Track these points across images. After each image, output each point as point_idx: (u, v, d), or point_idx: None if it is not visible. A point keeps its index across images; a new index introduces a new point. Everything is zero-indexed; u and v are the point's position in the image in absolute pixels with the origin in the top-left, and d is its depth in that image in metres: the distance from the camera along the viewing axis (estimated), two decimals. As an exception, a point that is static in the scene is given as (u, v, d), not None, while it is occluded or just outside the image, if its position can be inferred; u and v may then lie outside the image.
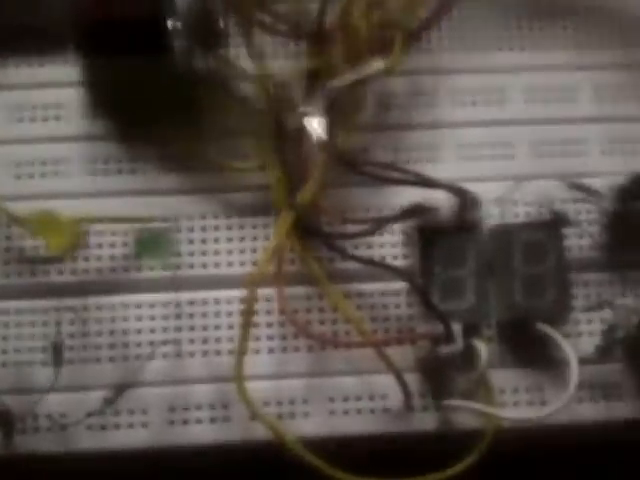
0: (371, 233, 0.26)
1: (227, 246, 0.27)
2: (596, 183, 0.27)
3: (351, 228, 0.27)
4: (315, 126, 0.25)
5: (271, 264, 0.25)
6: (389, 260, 0.27)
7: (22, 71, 0.28)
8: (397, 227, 0.27)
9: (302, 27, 0.27)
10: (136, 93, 0.27)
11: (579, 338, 0.26)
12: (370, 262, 0.25)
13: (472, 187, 0.26)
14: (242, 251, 0.27)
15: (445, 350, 0.25)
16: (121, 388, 0.25)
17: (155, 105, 0.27)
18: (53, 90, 0.28)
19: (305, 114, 0.25)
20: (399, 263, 0.27)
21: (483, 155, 0.28)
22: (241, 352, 0.24)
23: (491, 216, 0.27)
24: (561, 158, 0.28)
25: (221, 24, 0.26)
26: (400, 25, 0.26)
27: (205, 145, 0.27)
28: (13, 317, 0.26)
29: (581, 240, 0.27)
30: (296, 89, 0.26)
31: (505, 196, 0.27)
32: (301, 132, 0.26)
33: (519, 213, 0.27)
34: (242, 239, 0.27)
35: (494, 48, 0.29)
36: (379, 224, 0.26)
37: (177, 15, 0.25)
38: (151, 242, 0.26)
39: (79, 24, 0.26)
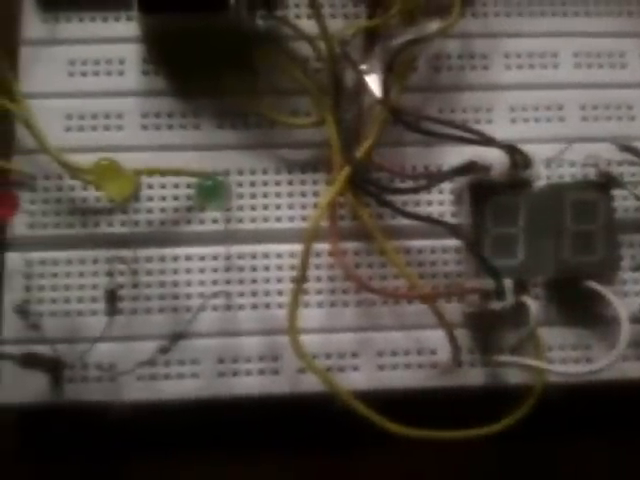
0: (427, 188, 0.26)
1: (276, 201, 0.27)
2: (644, 146, 0.27)
3: (405, 184, 0.27)
4: (375, 84, 0.25)
5: (324, 219, 0.25)
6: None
7: (85, 26, 0.28)
8: (445, 186, 0.28)
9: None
10: (196, 50, 0.27)
11: (625, 298, 0.27)
12: (426, 219, 0.26)
13: (523, 148, 0.26)
14: (291, 206, 0.27)
15: (496, 306, 0.25)
16: (175, 338, 0.25)
17: (214, 62, 0.27)
18: (115, 45, 0.28)
19: (365, 72, 0.25)
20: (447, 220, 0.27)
21: (534, 117, 0.28)
22: (294, 305, 0.24)
23: (542, 176, 0.27)
24: (610, 121, 0.28)
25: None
26: None
27: (261, 101, 0.27)
28: (64, 267, 0.26)
29: (628, 202, 0.28)
30: (354, 48, 0.26)
31: (556, 157, 0.27)
32: (358, 90, 0.26)
33: (569, 174, 0.28)
34: (291, 195, 0.27)
35: (547, 13, 0.29)
36: (434, 180, 0.26)
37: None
38: (211, 189, 0.26)
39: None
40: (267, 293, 0.27)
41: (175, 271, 0.27)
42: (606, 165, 0.27)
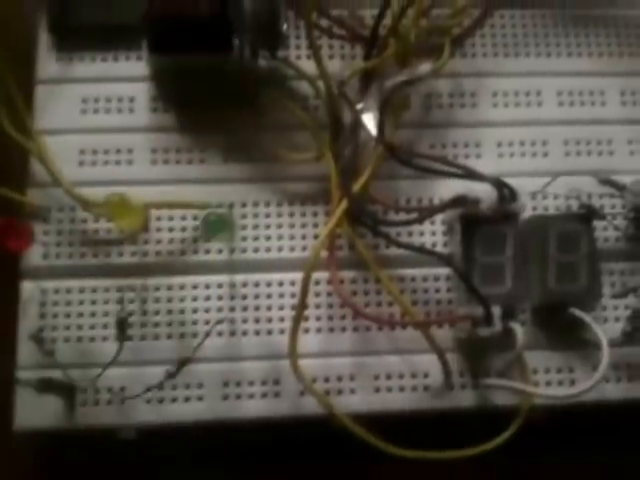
0: (420, 221, 0.28)
1: (278, 232, 0.29)
2: (623, 180, 0.29)
3: (400, 217, 0.28)
4: (370, 122, 0.27)
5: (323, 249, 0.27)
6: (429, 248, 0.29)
7: (97, 65, 0.30)
8: (437, 217, 0.29)
9: (358, 32, 0.29)
10: (202, 88, 0.29)
11: (606, 323, 0.29)
12: (419, 249, 0.27)
13: (510, 181, 0.28)
14: (292, 237, 0.29)
15: (484, 332, 0.27)
16: (181, 363, 0.27)
17: (219, 100, 0.29)
18: (126, 84, 0.30)
19: (361, 111, 0.27)
20: (439, 250, 0.29)
21: (520, 152, 0.30)
22: (295, 330, 0.26)
23: (528, 208, 0.29)
24: (591, 156, 0.30)
25: (283, 27, 0.28)
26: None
27: (264, 137, 0.29)
28: (76, 296, 0.28)
29: (608, 232, 0.29)
30: (351, 88, 0.28)
31: (541, 190, 0.29)
32: (355, 127, 0.28)
33: (553, 206, 0.29)
34: (292, 226, 0.29)
35: (532, 54, 0.31)
36: (428, 213, 0.28)
37: (242, 17, 0.27)
38: (217, 224, 0.27)
39: (150, 23, 0.27)
40: (269, 320, 0.28)
41: (182, 299, 0.28)
42: (587, 197, 0.29)
